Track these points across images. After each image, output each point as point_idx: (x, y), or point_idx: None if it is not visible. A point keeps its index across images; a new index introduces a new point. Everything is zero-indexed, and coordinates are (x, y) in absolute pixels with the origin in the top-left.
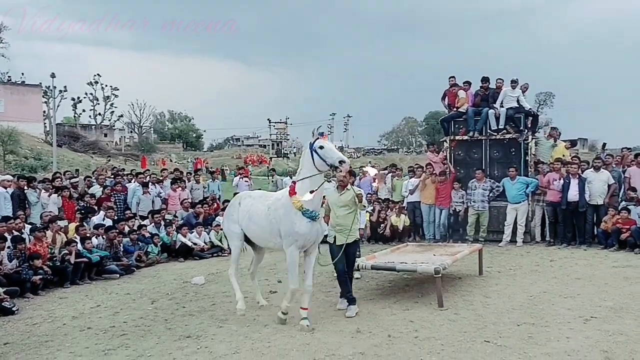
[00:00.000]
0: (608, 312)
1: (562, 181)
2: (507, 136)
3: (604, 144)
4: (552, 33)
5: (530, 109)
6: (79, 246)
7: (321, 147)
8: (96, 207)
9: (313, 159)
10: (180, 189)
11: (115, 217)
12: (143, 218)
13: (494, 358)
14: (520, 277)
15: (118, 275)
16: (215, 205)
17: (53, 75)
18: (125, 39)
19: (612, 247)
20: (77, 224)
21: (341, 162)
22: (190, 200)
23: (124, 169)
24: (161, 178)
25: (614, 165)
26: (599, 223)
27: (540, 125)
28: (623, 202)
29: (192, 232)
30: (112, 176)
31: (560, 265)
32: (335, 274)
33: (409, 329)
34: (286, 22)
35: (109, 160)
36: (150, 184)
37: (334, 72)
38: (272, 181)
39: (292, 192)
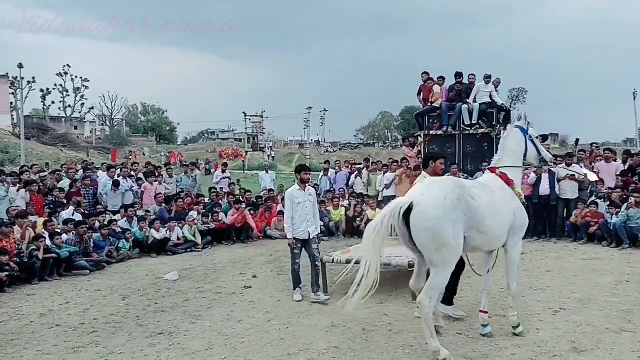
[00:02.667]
0: (576, 304)
1: (534, 175)
2: (480, 131)
3: (577, 140)
4: (526, 30)
5: (502, 104)
6: (48, 241)
7: (537, 137)
8: (65, 201)
9: (527, 148)
10: (157, 182)
11: (86, 212)
12: (114, 213)
13: (465, 349)
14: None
15: (88, 271)
16: (190, 199)
17: (20, 65)
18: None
19: (581, 240)
20: (45, 218)
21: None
22: (163, 195)
23: (93, 163)
24: (132, 173)
25: (585, 161)
26: (569, 217)
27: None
28: (592, 197)
29: (165, 226)
30: (82, 169)
31: (530, 258)
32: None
33: (382, 322)
34: (262, 15)
35: (134, 159)
36: (121, 177)
37: (310, 66)
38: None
39: (511, 181)
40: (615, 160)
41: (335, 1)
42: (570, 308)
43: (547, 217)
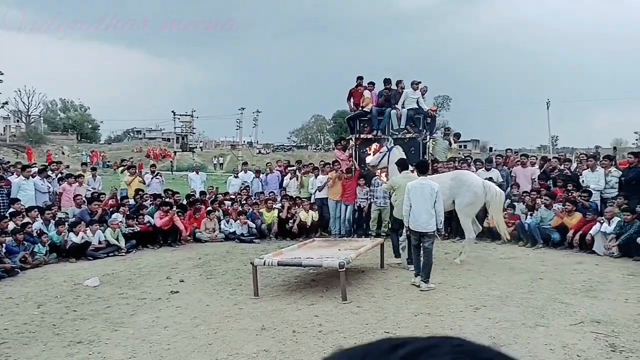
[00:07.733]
0: (495, 301)
1: None
2: (408, 135)
3: (491, 148)
4: (450, 38)
5: (428, 110)
6: None
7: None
8: None
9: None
10: (77, 184)
11: None
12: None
13: None
14: None
15: None
16: (113, 201)
17: None
18: (10, 17)
19: (499, 240)
20: None
21: None
22: (83, 196)
23: (9, 162)
24: (49, 173)
25: (503, 166)
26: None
27: (438, 127)
28: (508, 200)
29: (86, 230)
30: None
31: (453, 258)
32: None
33: (313, 324)
34: (192, 12)
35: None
36: (38, 178)
37: (243, 66)
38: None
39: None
40: (533, 165)
41: (268, 1)
42: (489, 305)
43: None
